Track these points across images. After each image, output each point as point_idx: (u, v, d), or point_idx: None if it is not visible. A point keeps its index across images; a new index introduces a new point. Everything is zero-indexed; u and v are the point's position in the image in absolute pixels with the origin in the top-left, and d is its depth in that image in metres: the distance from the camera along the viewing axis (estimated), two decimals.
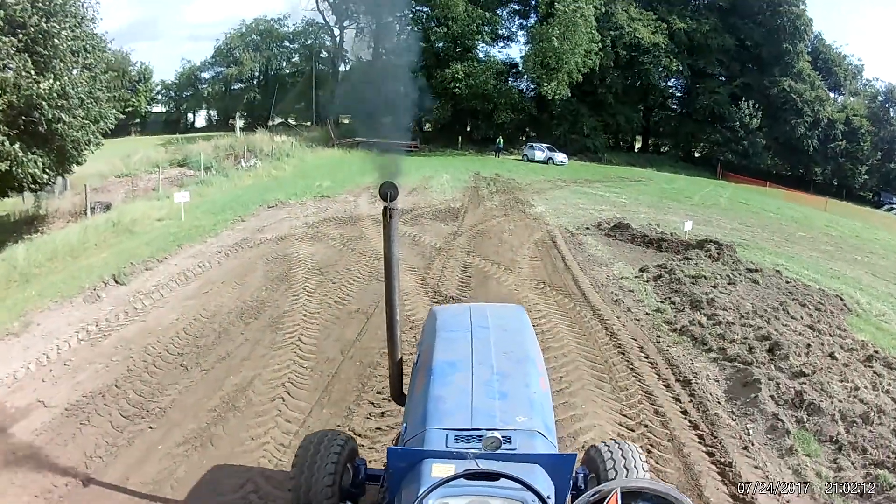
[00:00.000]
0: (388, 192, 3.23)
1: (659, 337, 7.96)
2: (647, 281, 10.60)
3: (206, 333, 7.96)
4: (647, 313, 8.95)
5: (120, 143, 41.32)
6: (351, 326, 8.06)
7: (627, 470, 3.37)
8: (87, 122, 16.14)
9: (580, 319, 8.53)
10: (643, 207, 22.70)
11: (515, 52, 52.34)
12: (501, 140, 42.16)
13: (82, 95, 15.65)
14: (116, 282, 10.49)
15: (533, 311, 8.70)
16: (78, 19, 16.38)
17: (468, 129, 46.96)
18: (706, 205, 27.34)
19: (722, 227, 20.40)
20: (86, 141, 16.34)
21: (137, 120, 52.53)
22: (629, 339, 7.82)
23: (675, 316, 8.69)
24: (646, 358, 7.23)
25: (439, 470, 2.52)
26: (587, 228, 16.47)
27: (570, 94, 41.66)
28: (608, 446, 3.57)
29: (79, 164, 17.40)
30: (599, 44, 41.36)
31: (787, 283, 11.67)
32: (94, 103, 16.82)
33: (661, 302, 9.44)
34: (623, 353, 7.27)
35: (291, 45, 54.98)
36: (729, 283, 10.59)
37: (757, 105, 45.66)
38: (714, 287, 10.04)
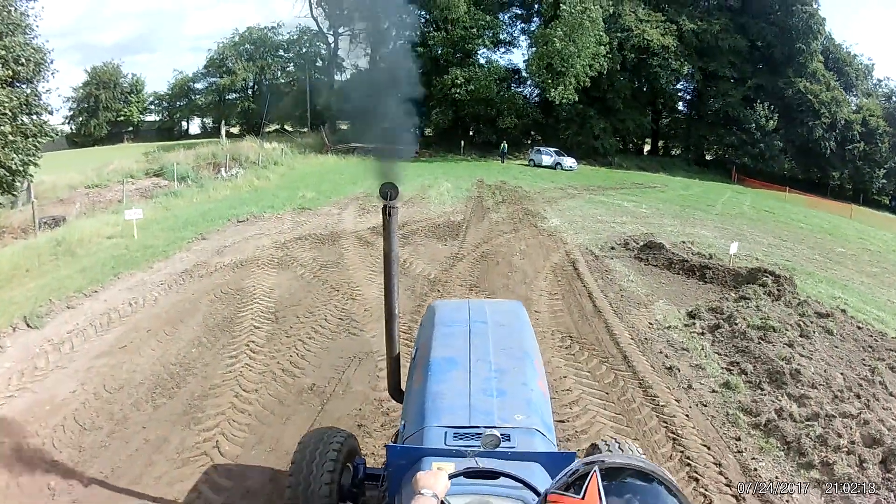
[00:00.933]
0: (388, 191, 3.20)
1: (738, 441, 5.42)
2: (703, 333, 8.11)
3: (99, 424, 5.64)
4: (713, 391, 6.43)
5: (109, 150, 39.45)
6: (296, 421, 5.56)
7: None
8: (14, 139, 14.59)
9: (627, 408, 5.94)
10: (667, 219, 20.29)
11: (517, 58, 50.86)
12: (505, 145, 39.90)
13: (7, 111, 14.10)
14: (28, 325, 8.32)
15: (559, 388, 6.27)
16: (9, 28, 14.89)
17: (471, 133, 44.85)
18: (731, 214, 25.00)
19: (758, 242, 17.99)
20: (10, 159, 14.80)
21: (130, 128, 51.62)
22: (699, 445, 5.30)
23: (752, 399, 6.18)
24: (727, 486, 4.71)
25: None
26: (612, 248, 14.01)
27: (576, 99, 39.60)
28: (608, 445, 3.51)
29: (10, 183, 15.94)
30: (607, 46, 39.37)
31: (860, 328, 9.34)
32: (33, 118, 15.55)
33: (728, 369, 6.97)
34: (697, 478, 4.75)
35: (286, 55, 53.27)
36: (801, 335, 8.20)
37: (773, 107, 43.77)
38: (790, 346, 7.57)
